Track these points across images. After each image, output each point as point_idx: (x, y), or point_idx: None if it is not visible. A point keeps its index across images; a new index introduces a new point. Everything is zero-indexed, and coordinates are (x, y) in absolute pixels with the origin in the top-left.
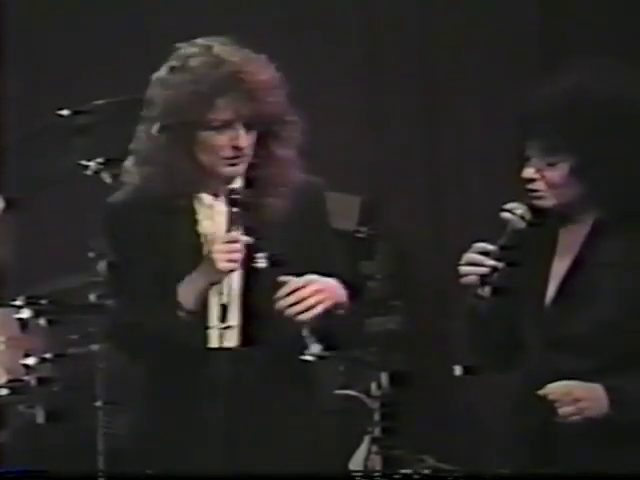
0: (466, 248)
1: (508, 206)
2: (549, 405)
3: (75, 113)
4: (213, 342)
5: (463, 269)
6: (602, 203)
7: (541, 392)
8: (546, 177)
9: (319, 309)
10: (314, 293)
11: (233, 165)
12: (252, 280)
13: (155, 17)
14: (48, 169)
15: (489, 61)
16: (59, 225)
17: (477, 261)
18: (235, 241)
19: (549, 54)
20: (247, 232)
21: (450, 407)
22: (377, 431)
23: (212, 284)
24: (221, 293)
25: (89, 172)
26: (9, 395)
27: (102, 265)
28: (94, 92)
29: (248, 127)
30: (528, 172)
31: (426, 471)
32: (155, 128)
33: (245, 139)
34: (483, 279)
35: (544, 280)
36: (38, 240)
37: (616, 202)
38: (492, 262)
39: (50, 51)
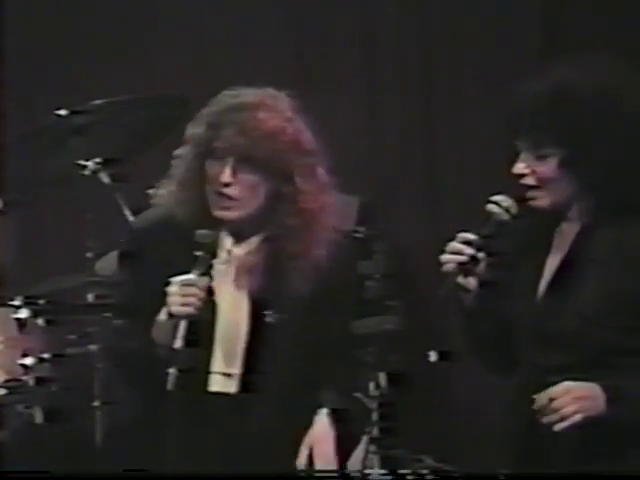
0: None
1: (494, 198)
2: (550, 408)
3: (73, 113)
4: (214, 386)
5: (443, 257)
6: (591, 196)
7: (539, 395)
8: (536, 172)
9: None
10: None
11: (224, 209)
12: (258, 333)
13: (155, 18)
14: (46, 169)
15: (488, 61)
16: (57, 225)
17: (457, 250)
18: (192, 285)
19: (549, 52)
20: (259, 288)
21: (449, 407)
22: (375, 431)
23: (173, 324)
24: (226, 340)
25: (87, 172)
26: (7, 395)
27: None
28: (93, 92)
29: (242, 167)
30: (518, 167)
31: (425, 471)
32: (180, 152)
33: (229, 174)
34: (462, 267)
35: (537, 276)
36: (36, 240)
37: (605, 194)
38: (471, 251)
39: (48, 50)
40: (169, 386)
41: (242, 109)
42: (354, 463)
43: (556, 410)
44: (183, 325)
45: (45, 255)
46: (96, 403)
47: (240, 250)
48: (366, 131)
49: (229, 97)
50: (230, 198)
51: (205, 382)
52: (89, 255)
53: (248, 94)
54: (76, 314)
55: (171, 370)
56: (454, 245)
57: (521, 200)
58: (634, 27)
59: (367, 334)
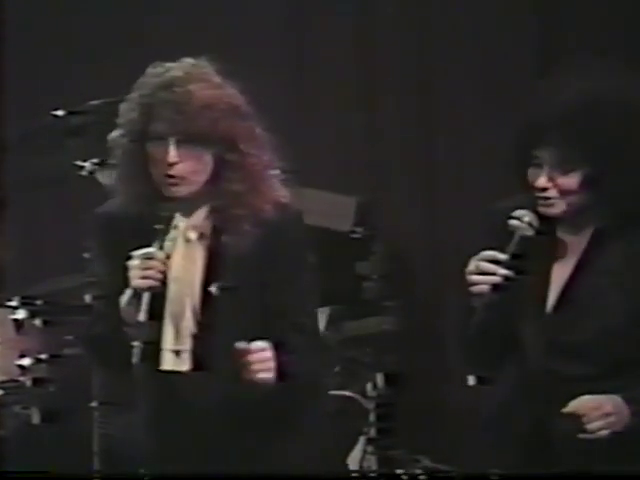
0: (461, 249)
1: (516, 213)
2: (576, 421)
3: (70, 113)
4: (166, 364)
5: (475, 278)
6: (611, 211)
7: (567, 409)
8: (558, 185)
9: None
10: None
11: (173, 185)
12: (206, 306)
13: (153, 17)
14: (43, 169)
15: (486, 62)
16: (54, 225)
17: (489, 270)
18: (151, 258)
19: (547, 55)
20: (207, 260)
21: (445, 407)
22: (373, 432)
23: (137, 299)
24: (175, 315)
25: (84, 173)
26: (4, 396)
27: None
28: (91, 92)
29: (184, 144)
30: (541, 181)
31: (420, 472)
32: (116, 137)
33: (174, 154)
34: (495, 288)
35: (544, 286)
36: (33, 241)
37: (623, 205)
38: (505, 271)
39: (46, 50)
40: (134, 359)
41: (172, 86)
42: (352, 463)
43: (583, 424)
44: (146, 298)
45: (42, 256)
46: (93, 404)
47: (186, 224)
48: (365, 132)
49: (155, 76)
50: (179, 177)
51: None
52: (86, 256)
53: (173, 69)
54: (73, 315)
55: (136, 343)
56: (485, 265)
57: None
58: (634, 35)
59: (364, 335)
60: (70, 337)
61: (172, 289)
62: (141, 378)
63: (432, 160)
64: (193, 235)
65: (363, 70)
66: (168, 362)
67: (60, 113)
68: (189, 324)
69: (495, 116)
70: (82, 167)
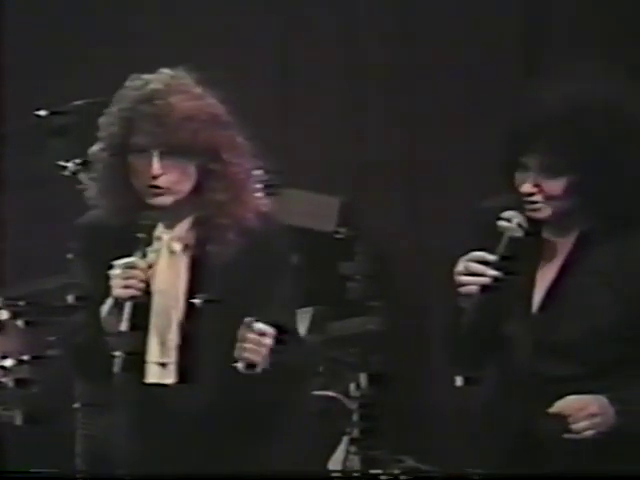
0: (445, 249)
1: (505, 215)
2: (561, 421)
3: (53, 114)
4: (151, 377)
5: (464, 279)
6: (597, 214)
7: (553, 409)
8: (544, 190)
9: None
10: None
11: (157, 195)
12: (190, 318)
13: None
14: (26, 169)
15: (471, 63)
16: (37, 226)
17: (478, 271)
18: (133, 267)
19: (532, 57)
20: (191, 271)
21: (429, 408)
22: (356, 432)
23: (118, 309)
24: (160, 328)
25: (67, 173)
26: None
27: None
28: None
29: (167, 156)
30: (526, 187)
31: (397, 471)
32: (97, 152)
33: (158, 167)
34: (483, 289)
35: (530, 287)
36: (16, 241)
37: (610, 211)
38: (494, 272)
39: (34, 51)
40: (115, 369)
41: (152, 99)
42: (335, 464)
43: (568, 424)
44: (128, 308)
45: (25, 256)
46: (76, 405)
47: (171, 235)
48: (348, 132)
49: (134, 89)
50: (162, 188)
51: (143, 373)
52: (69, 257)
53: (152, 81)
54: (56, 315)
55: (117, 353)
56: (474, 266)
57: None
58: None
59: (348, 335)
60: (53, 338)
61: (157, 301)
62: (122, 388)
63: (416, 160)
64: (177, 247)
65: (347, 70)
66: (153, 375)
67: (42, 113)
68: (174, 336)
69: (479, 117)
70: (65, 167)
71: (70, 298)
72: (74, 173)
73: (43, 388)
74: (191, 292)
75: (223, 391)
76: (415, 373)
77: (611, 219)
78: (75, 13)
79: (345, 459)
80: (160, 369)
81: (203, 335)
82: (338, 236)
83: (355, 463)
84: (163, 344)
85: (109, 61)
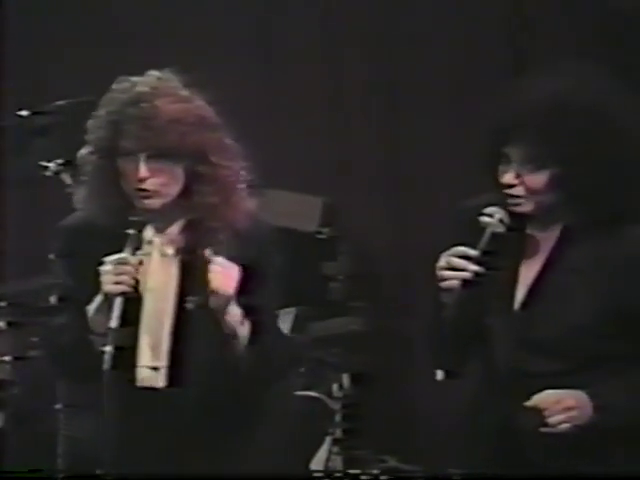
0: (428, 249)
1: (487, 210)
2: (538, 415)
3: (34, 114)
4: (142, 381)
5: (445, 273)
6: (579, 210)
7: (529, 403)
8: (526, 183)
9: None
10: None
11: (145, 198)
12: (181, 321)
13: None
14: (8, 170)
15: (452, 62)
16: (19, 226)
17: (460, 266)
18: (124, 263)
19: (515, 54)
20: (182, 274)
21: (411, 408)
22: (338, 432)
23: (108, 305)
24: (151, 331)
25: (49, 173)
26: None
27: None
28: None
29: (154, 159)
30: (508, 178)
31: (376, 471)
32: (85, 155)
33: (145, 170)
34: (465, 284)
35: (512, 283)
36: None
37: (593, 208)
38: (476, 267)
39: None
40: (105, 365)
41: (138, 102)
42: (317, 464)
43: (544, 418)
44: (118, 304)
45: (7, 257)
46: (58, 406)
47: (161, 239)
48: (331, 132)
49: (121, 92)
50: (151, 190)
51: (134, 376)
52: (51, 257)
53: (139, 84)
54: (38, 316)
55: (107, 349)
56: (456, 261)
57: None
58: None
59: (331, 335)
60: (35, 339)
61: (148, 304)
62: (111, 384)
63: (399, 160)
64: (170, 250)
65: (330, 70)
66: (144, 378)
67: (24, 113)
68: (165, 340)
69: (462, 115)
70: (47, 168)
71: (53, 299)
72: (56, 173)
73: (25, 389)
74: (182, 295)
75: (209, 392)
76: (398, 373)
77: (594, 215)
78: (60, 12)
79: (328, 459)
80: (151, 373)
81: (194, 339)
82: (320, 236)
83: (338, 463)
84: (154, 347)
85: (94, 62)
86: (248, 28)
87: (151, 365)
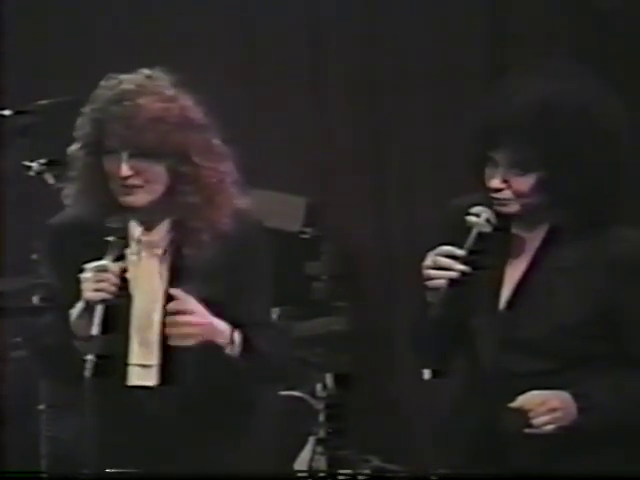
0: (412, 249)
1: (474, 210)
2: (522, 416)
3: (17, 113)
4: (133, 379)
5: (432, 272)
6: (565, 211)
7: (514, 404)
8: (513, 186)
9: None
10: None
11: (128, 195)
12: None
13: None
14: None
15: (438, 63)
16: (2, 226)
17: (446, 265)
18: (104, 270)
19: (500, 57)
20: (171, 273)
21: (395, 408)
22: (322, 432)
23: (89, 312)
24: (141, 330)
25: (32, 173)
26: None
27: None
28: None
29: (136, 157)
30: (495, 182)
31: (367, 471)
32: (75, 151)
33: (126, 169)
34: (451, 283)
35: (498, 283)
36: None
37: (579, 209)
38: (462, 267)
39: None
40: (87, 373)
41: (122, 100)
42: (301, 464)
43: (529, 419)
44: (99, 311)
45: None
46: (41, 406)
47: (149, 238)
48: (315, 132)
49: (107, 89)
50: (134, 187)
51: (124, 375)
52: (34, 257)
53: (125, 82)
54: (21, 317)
55: (89, 357)
56: (442, 260)
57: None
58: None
59: (314, 335)
60: (18, 339)
61: (137, 304)
62: (93, 392)
63: (382, 160)
64: (158, 250)
65: (314, 71)
66: (135, 377)
67: (7, 113)
68: (156, 338)
69: (447, 116)
70: (30, 167)
71: (36, 299)
72: (39, 173)
73: (7, 390)
74: (170, 294)
75: (198, 391)
76: (381, 373)
77: (580, 216)
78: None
79: (311, 459)
80: (142, 371)
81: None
82: (304, 236)
83: (321, 463)
84: (145, 346)
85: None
86: (232, 28)
87: (142, 363)
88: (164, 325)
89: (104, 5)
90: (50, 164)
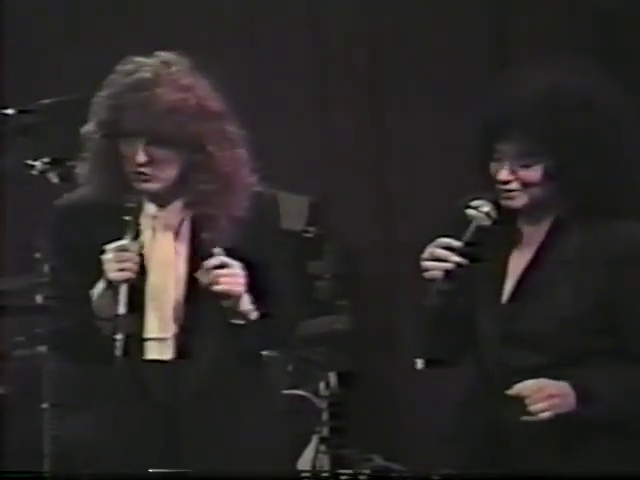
0: (414, 249)
1: (474, 203)
2: (519, 404)
3: (20, 112)
4: (150, 353)
5: (428, 264)
6: (570, 202)
7: (512, 391)
8: (520, 178)
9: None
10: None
11: (144, 181)
12: (188, 295)
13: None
14: None
15: (439, 60)
16: (5, 225)
17: (442, 256)
18: (125, 250)
19: (502, 51)
20: (191, 247)
21: (398, 406)
22: (325, 431)
23: (113, 292)
24: (158, 304)
25: (35, 172)
26: None
27: (47, 267)
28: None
29: (152, 145)
30: (503, 174)
31: (368, 471)
32: (90, 132)
33: (142, 155)
34: (447, 275)
35: (501, 276)
36: None
37: (585, 201)
38: (458, 258)
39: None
40: (117, 352)
41: (140, 88)
42: (304, 463)
43: (526, 406)
44: (123, 291)
45: None
46: (45, 405)
47: (164, 214)
48: (317, 131)
49: (125, 75)
50: (148, 175)
51: (142, 350)
52: (37, 256)
53: (144, 68)
54: (24, 315)
55: (118, 336)
56: (439, 252)
57: (497, 201)
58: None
59: (317, 334)
60: (20, 338)
61: (154, 278)
62: (124, 371)
63: (385, 159)
64: (173, 226)
65: (316, 69)
66: (152, 351)
67: (10, 112)
68: (173, 312)
69: (449, 114)
70: (33, 166)
71: (39, 298)
72: (42, 172)
73: (10, 388)
74: (191, 267)
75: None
76: (384, 372)
77: (586, 208)
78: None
79: (314, 458)
80: (159, 345)
81: (203, 310)
82: (307, 235)
83: (324, 462)
84: (161, 320)
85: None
86: (232, 21)
87: (158, 337)
88: (182, 300)
89: (104, 5)
90: (53, 163)
